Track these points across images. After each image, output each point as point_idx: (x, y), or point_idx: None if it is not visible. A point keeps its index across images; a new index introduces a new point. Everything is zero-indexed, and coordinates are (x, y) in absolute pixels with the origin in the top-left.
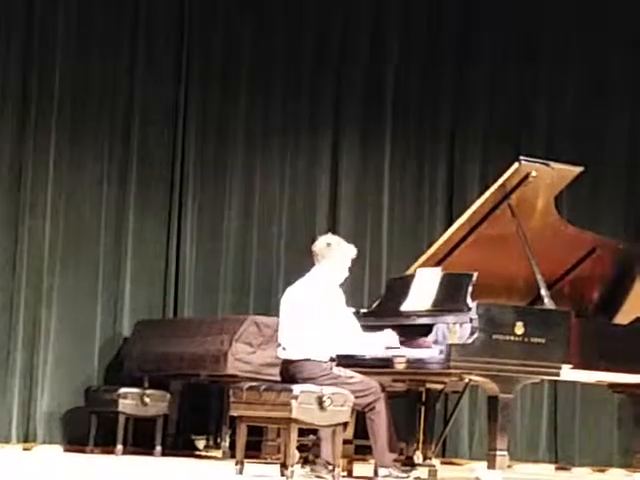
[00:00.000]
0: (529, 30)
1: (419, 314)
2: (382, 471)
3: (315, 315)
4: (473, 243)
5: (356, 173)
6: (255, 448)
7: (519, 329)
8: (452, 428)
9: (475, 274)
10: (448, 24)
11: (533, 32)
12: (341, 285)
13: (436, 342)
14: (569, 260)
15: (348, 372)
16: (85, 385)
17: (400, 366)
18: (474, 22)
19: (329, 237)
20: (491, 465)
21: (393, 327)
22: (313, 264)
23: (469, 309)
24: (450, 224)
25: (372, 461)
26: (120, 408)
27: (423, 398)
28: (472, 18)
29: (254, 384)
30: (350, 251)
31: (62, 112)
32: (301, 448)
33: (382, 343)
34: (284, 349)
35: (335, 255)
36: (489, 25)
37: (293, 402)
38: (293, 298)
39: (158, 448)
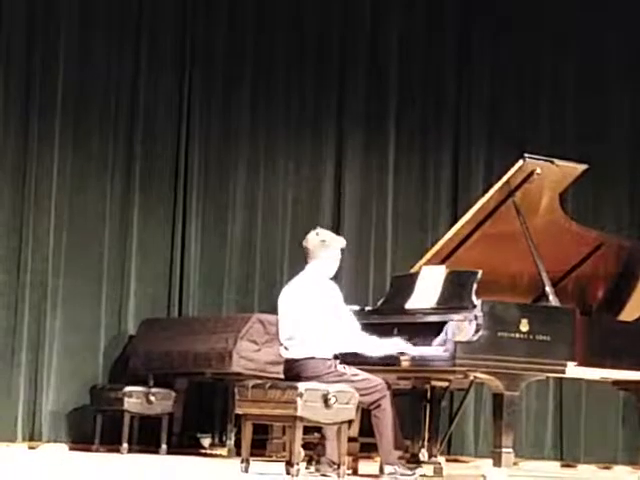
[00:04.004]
0: (531, 29)
1: (424, 312)
2: (387, 469)
3: (316, 313)
4: (478, 240)
5: (360, 171)
6: (260, 446)
7: (524, 326)
8: (457, 426)
9: (480, 271)
10: (449, 24)
11: (535, 31)
12: (344, 283)
13: (443, 340)
14: (574, 257)
15: (353, 369)
16: (90, 384)
17: (405, 364)
18: (475, 22)
19: (322, 234)
20: (497, 463)
21: (397, 325)
22: None
23: (474, 306)
24: (455, 222)
25: (377, 459)
26: (125, 407)
27: (428, 396)
28: (473, 17)
29: (259, 382)
30: (341, 244)
31: (66, 112)
32: (306, 446)
33: (385, 348)
34: (286, 349)
35: (330, 252)
36: (490, 24)
37: (298, 400)
38: (292, 297)
39: (163, 446)
